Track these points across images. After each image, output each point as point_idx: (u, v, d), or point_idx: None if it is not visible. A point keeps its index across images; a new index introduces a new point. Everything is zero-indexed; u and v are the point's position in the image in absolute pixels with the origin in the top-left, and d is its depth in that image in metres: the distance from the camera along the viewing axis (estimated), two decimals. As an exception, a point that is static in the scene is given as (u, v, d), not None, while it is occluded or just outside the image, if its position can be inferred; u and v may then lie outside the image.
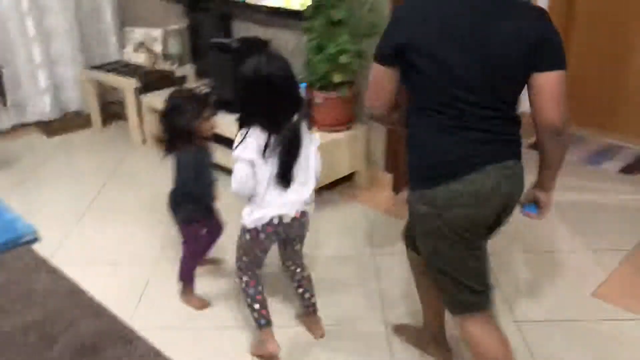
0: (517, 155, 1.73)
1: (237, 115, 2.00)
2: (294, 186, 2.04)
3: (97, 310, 2.53)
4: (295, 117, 1.97)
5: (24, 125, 4.70)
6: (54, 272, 2.80)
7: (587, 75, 4.13)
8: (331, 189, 3.50)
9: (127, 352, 2.29)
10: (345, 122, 3.42)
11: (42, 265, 2.86)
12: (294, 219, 2.09)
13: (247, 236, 2.12)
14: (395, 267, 2.77)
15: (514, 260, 2.83)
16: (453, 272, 1.75)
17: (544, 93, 1.57)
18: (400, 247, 2.90)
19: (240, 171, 1.98)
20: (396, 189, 3.48)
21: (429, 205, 1.68)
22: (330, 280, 2.71)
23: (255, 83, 1.93)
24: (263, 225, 2.07)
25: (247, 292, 2.22)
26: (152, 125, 4.19)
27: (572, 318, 2.43)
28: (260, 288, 2.23)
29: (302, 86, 3.44)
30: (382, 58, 1.72)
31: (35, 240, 3.10)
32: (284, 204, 2.04)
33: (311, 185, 2.10)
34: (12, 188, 3.70)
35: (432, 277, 1.88)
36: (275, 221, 2.06)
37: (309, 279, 2.35)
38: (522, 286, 2.64)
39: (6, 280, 2.75)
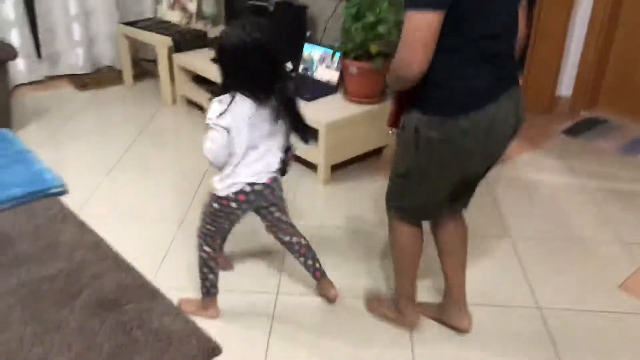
0: (518, 80, 1.85)
1: (219, 83, 1.97)
2: (264, 154, 2.05)
3: (122, 265, 2.55)
4: (282, 84, 1.96)
5: (56, 78, 4.74)
6: (80, 225, 2.83)
7: (631, 61, 4.01)
8: (359, 161, 3.47)
9: (148, 308, 2.30)
10: (378, 94, 3.37)
11: (70, 218, 2.89)
12: (265, 185, 2.09)
13: (217, 205, 2.12)
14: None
15: (542, 247, 2.79)
16: (423, 189, 1.91)
17: None
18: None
19: (219, 140, 1.95)
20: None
21: (441, 132, 1.74)
22: (350, 252, 2.70)
23: (243, 49, 1.88)
24: (235, 193, 2.07)
25: (206, 263, 2.24)
26: (183, 84, 4.18)
27: (597, 309, 2.39)
28: (217, 263, 2.26)
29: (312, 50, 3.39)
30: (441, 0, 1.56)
31: (63, 192, 3.13)
32: (255, 172, 2.05)
33: (280, 153, 2.09)
34: (42, 139, 3.74)
35: (395, 180, 1.98)
36: (247, 189, 2.07)
37: (307, 246, 2.34)
38: (548, 273, 2.60)
39: (34, 230, 2.79)
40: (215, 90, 1.98)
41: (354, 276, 2.55)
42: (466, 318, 2.22)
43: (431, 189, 1.91)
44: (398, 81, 1.72)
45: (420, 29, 1.57)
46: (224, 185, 2.07)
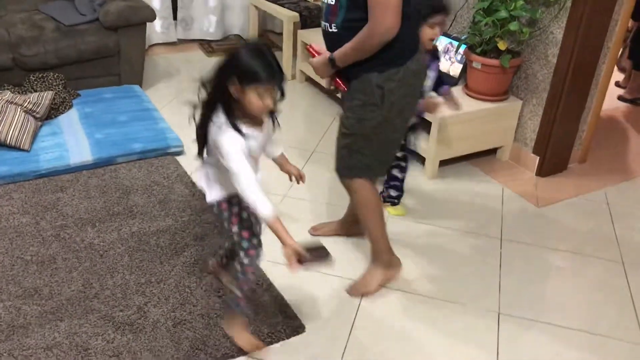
0: None
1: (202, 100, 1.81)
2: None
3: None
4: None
5: (188, 41, 4.97)
6: (192, 186, 2.98)
7: None
8: (471, 159, 3.36)
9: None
10: (501, 93, 3.23)
11: (183, 178, 3.05)
12: None
13: (221, 208, 1.94)
14: (518, 257, 2.64)
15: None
16: (387, 142, 2.19)
17: None
18: (530, 236, 2.77)
19: (247, 168, 1.72)
20: (541, 172, 3.27)
21: (399, 80, 2.03)
22: (448, 253, 2.64)
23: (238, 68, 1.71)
24: (224, 197, 1.91)
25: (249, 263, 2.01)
26: (304, 60, 4.23)
27: None
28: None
29: (461, 47, 3.28)
30: None
31: (181, 152, 3.31)
32: None
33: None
34: (168, 99, 3.95)
35: (357, 143, 2.15)
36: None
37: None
38: None
39: (150, 185, 2.97)
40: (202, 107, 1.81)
41: (446, 276, 2.49)
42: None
43: (392, 140, 2.23)
44: (378, 45, 1.94)
45: None
46: (216, 193, 1.92)
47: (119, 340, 2.06)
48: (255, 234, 1.97)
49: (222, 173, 1.82)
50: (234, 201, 1.90)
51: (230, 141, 1.72)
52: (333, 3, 1.99)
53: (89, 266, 2.40)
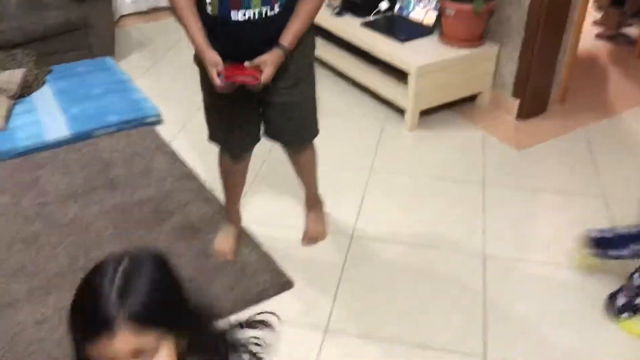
0: None
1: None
2: None
3: (207, 196, 2.66)
4: None
5: (159, 9, 4.86)
6: (172, 155, 2.96)
7: None
8: (450, 108, 3.35)
9: (229, 240, 2.40)
10: (476, 38, 3.20)
11: (163, 147, 3.03)
12: None
13: None
14: (501, 200, 2.66)
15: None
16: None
17: None
18: (513, 180, 2.79)
19: None
20: (521, 115, 3.27)
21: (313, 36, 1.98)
22: (431, 201, 2.66)
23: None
24: None
25: None
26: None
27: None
28: None
29: None
30: None
31: (159, 122, 3.27)
32: None
33: None
34: (142, 70, 3.89)
35: (313, 104, 2.09)
36: None
37: None
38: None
39: (130, 156, 2.95)
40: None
41: (430, 224, 2.51)
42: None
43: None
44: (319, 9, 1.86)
45: None
46: None
47: (109, 309, 2.07)
48: None
49: None
50: None
51: None
52: None
53: (74, 240, 2.39)
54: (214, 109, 2.05)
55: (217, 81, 1.77)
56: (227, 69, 1.77)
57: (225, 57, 1.78)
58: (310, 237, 2.42)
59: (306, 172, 2.32)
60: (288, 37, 1.81)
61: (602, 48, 4.27)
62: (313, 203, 2.43)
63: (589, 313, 2.10)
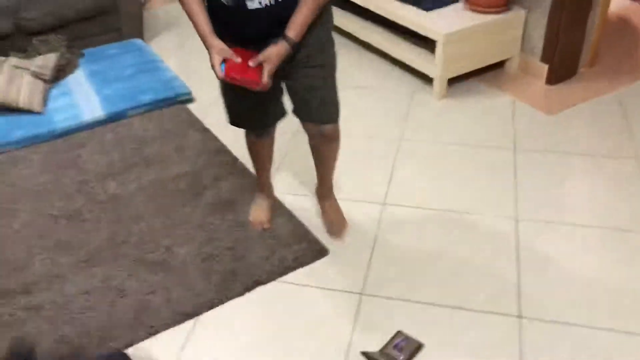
0: None
1: None
2: None
3: (240, 171, 2.72)
4: None
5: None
6: (204, 131, 3.03)
7: None
8: (478, 75, 3.33)
9: (263, 211, 2.46)
10: (502, 4, 3.17)
11: (195, 124, 3.09)
12: None
13: None
14: (532, 165, 2.65)
15: (674, 171, 2.58)
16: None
17: None
18: (544, 145, 2.78)
19: None
20: (551, 80, 3.24)
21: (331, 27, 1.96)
22: (462, 168, 2.67)
23: None
24: None
25: None
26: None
27: None
28: None
29: None
30: None
31: (190, 100, 3.33)
32: None
33: None
34: (173, 49, 3.95)
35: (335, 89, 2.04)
36: None
37: None
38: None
39: (164, 134, 3.02)
40: None
41: (461, 190, 2.53)
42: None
43: None
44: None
45: None
46: None
47: (152, 279, 2.16)
48: None
49: None
50: None
51: None
52: None
53: (115, 216, 2.47)
54: (232, 93, 2.03)
55: (219, 72, 1.77)
56: (231, 66, 1.76)
57: (237, 43, 1.79)
58: (338, 229, 2.36)
59: (327, 163, 2.27)
60: (295, 28, 1.76)
61: (632, 7, 4.18)
62: (328, 193, 2.40)
63: (624, 271, 2.11)
